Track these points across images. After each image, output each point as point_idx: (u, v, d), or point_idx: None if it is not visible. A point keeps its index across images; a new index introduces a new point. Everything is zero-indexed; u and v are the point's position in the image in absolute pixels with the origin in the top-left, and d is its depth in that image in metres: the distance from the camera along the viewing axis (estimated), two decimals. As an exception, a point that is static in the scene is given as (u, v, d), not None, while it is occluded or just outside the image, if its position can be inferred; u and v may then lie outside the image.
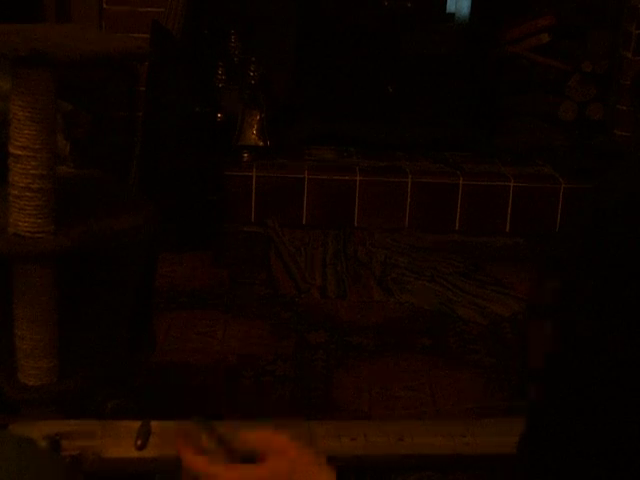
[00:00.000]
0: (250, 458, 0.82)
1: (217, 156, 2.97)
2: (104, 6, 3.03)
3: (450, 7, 3.42)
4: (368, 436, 1.05)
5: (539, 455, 0.59)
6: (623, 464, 0.56)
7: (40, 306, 1.49)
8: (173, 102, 2.79)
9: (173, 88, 2.80)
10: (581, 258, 0.58)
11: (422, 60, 3.37)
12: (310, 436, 1.01)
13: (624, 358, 0.54)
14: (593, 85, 3.30)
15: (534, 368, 0.60)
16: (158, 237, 1.81)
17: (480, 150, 3.27)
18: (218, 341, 2.27)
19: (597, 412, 0.56)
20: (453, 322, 2.44)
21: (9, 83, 1.44)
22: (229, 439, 0.83)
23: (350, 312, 2.47)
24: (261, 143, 3.10)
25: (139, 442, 1.01)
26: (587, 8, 3.38)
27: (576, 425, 0.57)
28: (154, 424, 1.04)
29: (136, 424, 1.04)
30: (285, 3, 3.34)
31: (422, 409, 2.02)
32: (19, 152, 1.43)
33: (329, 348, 2.27)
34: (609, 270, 0.56)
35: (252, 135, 3.10)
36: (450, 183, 3.03)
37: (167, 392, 2.01)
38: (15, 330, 1.51)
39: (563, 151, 3.24)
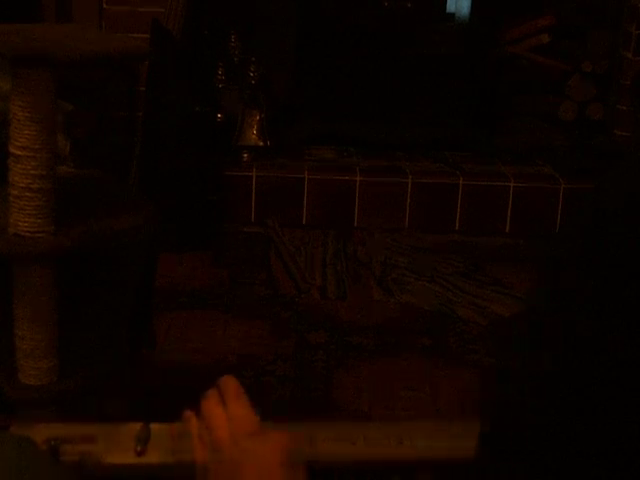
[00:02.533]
0: None
1: (217, 156, 2.97)
2: (104, 6, 3.03)
3: (450, 7, 3.42)
4: (368, 439, 1.05)
5: (539, 455, 0.59)
6: (623, 464, 0.56)
7: (40, 306, 1.49)
8: (173, 102, 2.79)
9: (173, 88, 2.80)
10: (581, 258, 0.58)
11: (422, 60, 3.37)
12: (310, 440, 1.01)
13: (624, 358, 0.54)
14: (593, 85, 3.30)
15: (533, 369, 0.60)
16: (158, 237, 1.81)
17: (480, 150, 3.27)
18: (218, 341, 2.27)
19: (597, 412, 0.56)
20: (453, 322, 2.44)
21: (9, 83, 1.43)
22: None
23: (350, 312, 2.47)
24: (261, 143, 3.10)
25: (138, 448, 1.01)
26: (587, 8, 3.38)
27: (576, 425, 0.57)
28: (154, 428, 1.04)
29: (137, 427, 1.04)
30: (285, 3, 3.34)
31: (422, 409, 2.02)
32: (19, 152, 1.43)
33: (329, 348, 2.27)
34: (609, 270, 0.56)
35: (252, 135, 3.10)
36: (450, 183, 3.03)
37: (167, 392, 2.01)
38: (15, 330, 1.51)
39: (563, 151, 3.24)
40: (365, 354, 2.25)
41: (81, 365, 1.58)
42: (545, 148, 3.27)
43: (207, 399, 0.93)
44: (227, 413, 0.89)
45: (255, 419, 0.89)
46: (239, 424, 0.88)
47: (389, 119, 3.33)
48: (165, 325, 2.31)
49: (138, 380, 1.84)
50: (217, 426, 0.88)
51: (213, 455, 0.86)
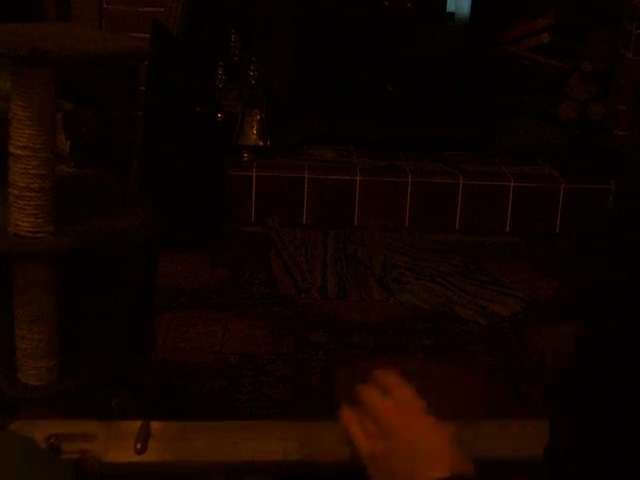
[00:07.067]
0: None
1: (217, 156, 2.97)
2: (104, 5, 3.03)
3: (450, 7, 3.42)
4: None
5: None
6: None
7: (40, 306, 1.49)
8: (173, 102, 2.79)
9: (173, 88, 2.80)
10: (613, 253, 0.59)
11: (422, 60, 3.37)
12: (313, 440, 1.01)
13: None
14: (594, 84, 3.30)
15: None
16: (158, 237, 1.81)
17: (480, 150, 3.27)
18: (218, 341, 2.27)
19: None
20: (453, 322, 2.44)
21: (9, 83, 1.43)
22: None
23: (350, 312, 2.47)
24: (261, 143, 3.10)
25: (139, 445, 1.01)
26: (587, 8, 3.38)
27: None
28: (154, 426, 1.04)
29: (137, 425, 1.03)
30: (285, 3, 3.34)
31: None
32: (19, 152, 1.42)
33: (329, 348, 2.27)
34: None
35: (252, 135, 3.10)
36: (450, 183, 3.03)
37: (167, 391, 2.01)
38: (15, 330, 1.51)
39: (563, 151, 3.24)
40: (365, 354, 2.25)
41: (81, 365, 1.58)
42: (545, 148, 3.27)
43: (367, 391, 0.91)
44: (393, 399, 0.89)
45: (422, 402, 0.88)
46: (408, 408, 0.87)
47: (389, 119, 3.33)
48: (165, 325, 2.31)
49: (138, 380, 1.84)
50: (385, 411, 0.87)
51: (384, 441, 0.85)
